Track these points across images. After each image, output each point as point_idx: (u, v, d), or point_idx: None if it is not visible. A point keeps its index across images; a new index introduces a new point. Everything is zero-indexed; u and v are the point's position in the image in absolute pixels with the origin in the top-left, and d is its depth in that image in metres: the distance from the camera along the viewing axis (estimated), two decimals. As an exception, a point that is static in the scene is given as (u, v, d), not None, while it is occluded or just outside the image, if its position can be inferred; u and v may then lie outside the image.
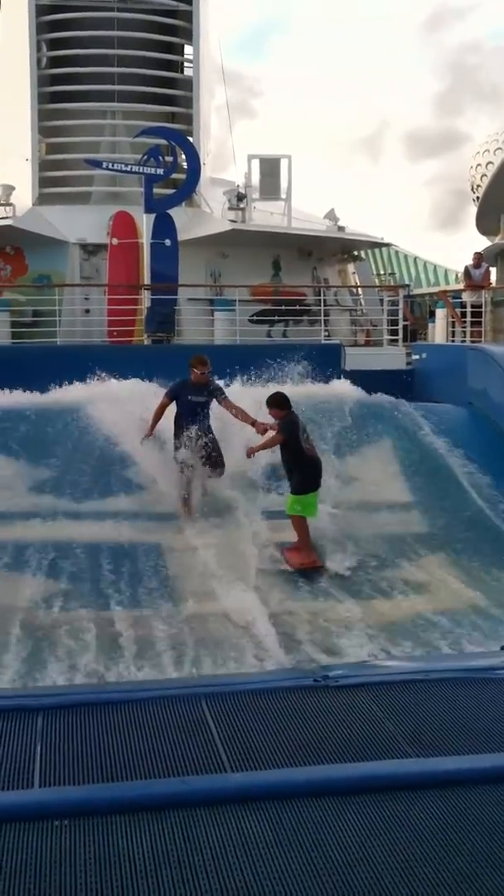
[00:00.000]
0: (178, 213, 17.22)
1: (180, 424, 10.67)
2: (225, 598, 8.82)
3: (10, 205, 17.63)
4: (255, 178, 19.07)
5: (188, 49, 20.20)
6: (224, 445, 10.87)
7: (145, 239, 16.70)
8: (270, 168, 19.12)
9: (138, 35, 19.21)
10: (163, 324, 16.20)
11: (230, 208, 18.56)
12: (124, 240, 17.34)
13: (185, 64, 20.56)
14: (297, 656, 7.72)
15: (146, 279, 16.71)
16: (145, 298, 16.49)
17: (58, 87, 19.21)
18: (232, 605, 8.65)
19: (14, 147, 18.84)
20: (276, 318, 18.37)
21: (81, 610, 8.63)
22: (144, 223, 16.68)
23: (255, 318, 17.97)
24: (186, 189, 17.77)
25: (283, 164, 19.16)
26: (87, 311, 17.41)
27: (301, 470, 9.75)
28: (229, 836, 2.70)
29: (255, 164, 19.06)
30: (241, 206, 18.57)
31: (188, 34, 19.75)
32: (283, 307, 18.39)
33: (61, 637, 8.04)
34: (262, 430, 10.15)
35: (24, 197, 18.19)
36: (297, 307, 18.67)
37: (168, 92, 19.86)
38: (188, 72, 20.33)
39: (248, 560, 9.70)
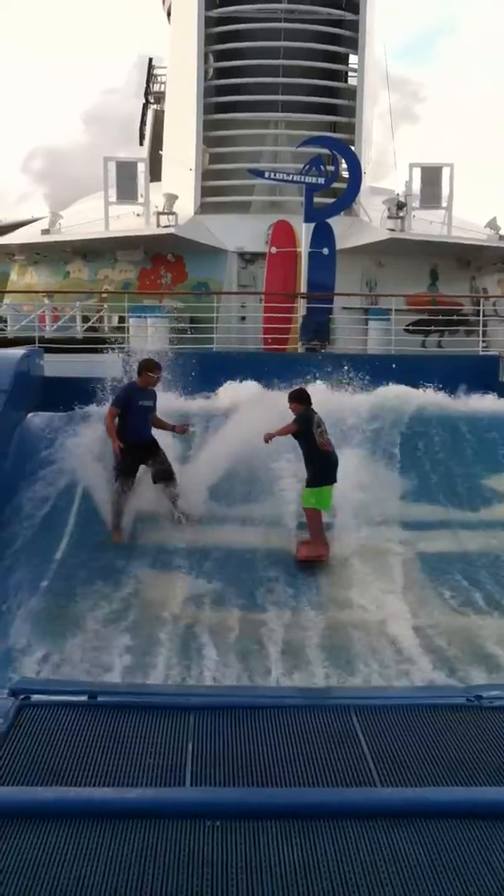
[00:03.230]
0: (336, 222, 17.23)
1: (126, 432, 10.18)
2: (373, 609, 8.76)
3: (172, 213, 18.08)
4: (416, 187, 18.89)
5: (353, 58, 20.18)
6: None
7: (303, 248, 16.79)
8: (432, 177, 18.92)
9: (304, 45, 19.32)
10: (318, 332, 16.24)
11: (389, 217, 18.44)
12: (283, 248, 17.50)
13: (349, 73, 20.55)
14: (444, 672, 7.56)
15: (303, 287, 16.80)
16: (301, 306, 16.58)
17: (223, 97, 19.55)
18: (379, 616, 8.59)
19: (179, 157, 19.34)
20: (433, 328, 18.12)
21: (230, 611, 8.73)
22: (304, 232, 16.78)
23: (410, 327, 17.77)
24: (347, 199, 17.75)
25: (445, 172, 18.92)
26: (244, 318, 17.64)
27: (315, 464, 9.87)
28: (380, 851, 2.68)
29: (417, 172, 18.89)
30: (401, 214, 18.42)
31: (353, 44, 19.71)
32: (440, 317, 18.11)
33: (210, 637, 8.16)
34: (181, 430, 10.81)
35: (186, 206, 18.62)
36: (455, 317, 18.34)
37: (331, 101, 19.89)
38: (352, 81, 20.30)
39: (395, 572, 9.63)
